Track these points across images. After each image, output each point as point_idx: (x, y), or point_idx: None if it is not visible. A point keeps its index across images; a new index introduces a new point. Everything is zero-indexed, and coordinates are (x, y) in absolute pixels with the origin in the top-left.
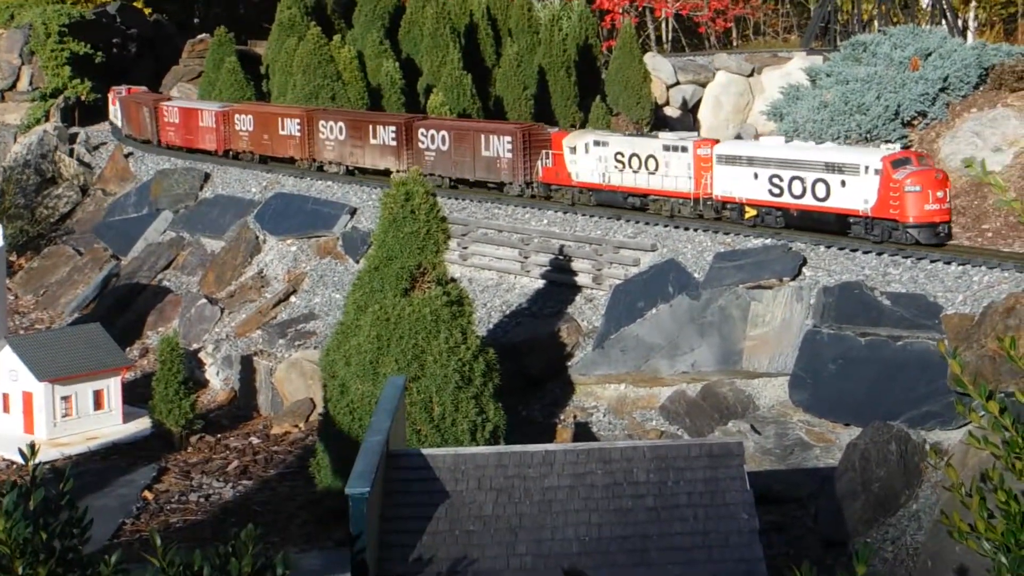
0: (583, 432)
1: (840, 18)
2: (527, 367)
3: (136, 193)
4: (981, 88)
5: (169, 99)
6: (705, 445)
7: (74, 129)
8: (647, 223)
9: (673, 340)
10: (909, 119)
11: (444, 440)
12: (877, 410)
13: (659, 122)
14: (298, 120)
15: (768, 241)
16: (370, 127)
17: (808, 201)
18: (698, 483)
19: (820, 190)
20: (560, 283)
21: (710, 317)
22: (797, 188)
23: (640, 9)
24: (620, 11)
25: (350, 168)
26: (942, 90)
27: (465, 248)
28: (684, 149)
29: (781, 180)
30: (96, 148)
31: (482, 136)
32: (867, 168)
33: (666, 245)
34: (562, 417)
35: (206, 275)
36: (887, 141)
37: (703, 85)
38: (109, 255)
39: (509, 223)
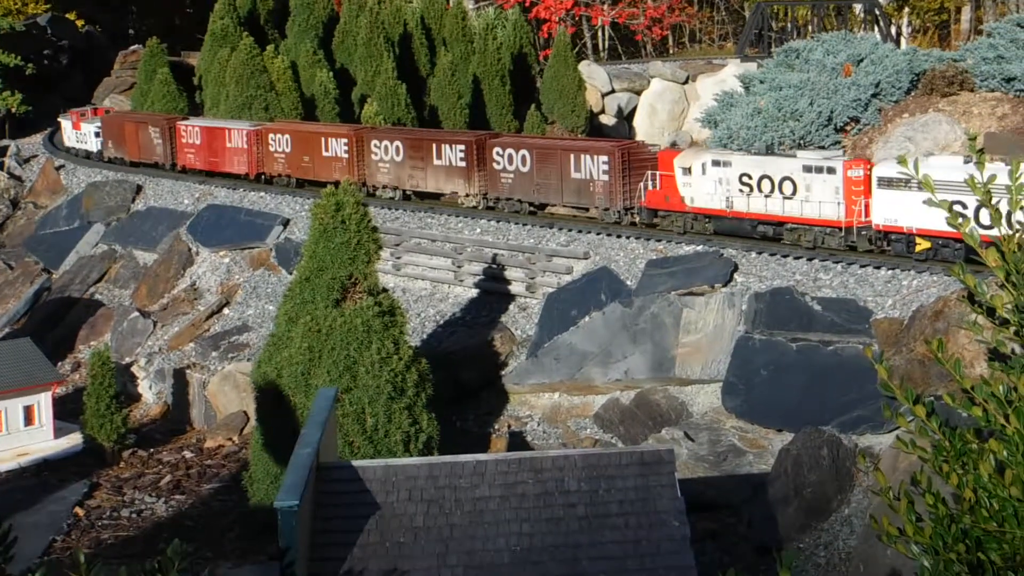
0: (517, 442)
1: (775, 25)
2: (461, 377)
3: (67, 206)
4: (913, 93)
5: (186, 118)
6: (636, 453)
7: (4, 142)
8: (579, 231)
9: (606, 348)
10: (842, 125)
11: (377, 452)
12: (809, 415)
13: (594, 130)
14: (345, 140)
15: (700, 248)
16: (434, 146)
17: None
18: (629, 491)
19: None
20: (494, 292)
21: (643, 324)
22: (987, 216)
23: (577, 18)
24: (557, 20)
25: (408, 193)
26: (874, 96)
27: (398, 258)
28: (831, 171)
29: (965, 207)
30: (27, 161)
31: (571, 156)
32: None
33: (599, 253)
34: (496, 427)
35: (139, 288)
36: (820, 147)
37: (638, 93)
38: (40, 269)
39: (442, 232)
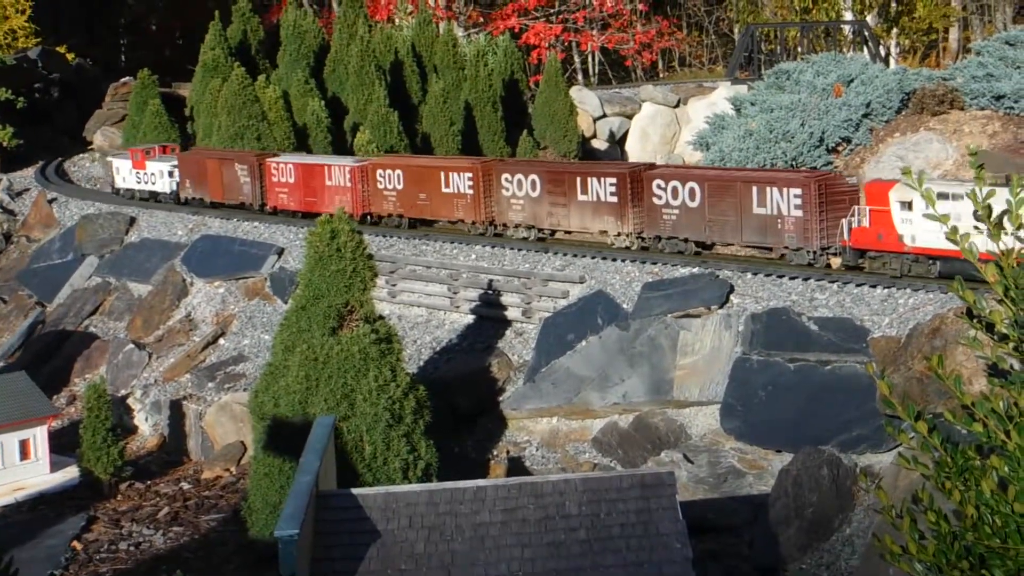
0: (516, 467)
1: (765, 47)
2: (458, 403)
3: (60, 239)
4: (903, 113)
5: (276, 154)
6: (636, 476)
7: None
8: (575, 255)
9: (603, 372)
10: (833, 145)
11: (376, 479)
12: (808, 435)
13: (587, 155)
14: (470, 174)
15: (695, 270)
16: (578, 180)
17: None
18: (630, 514)
19: None
20: (490, 318)
21: (640, 347)
22: None
23: (567, 44)
24: (547, 46)
25: (543, 232)
26: (865, 116)
27: (394, 285)
28: None
29: None
30: (19, 195)
31: (754, 188)
32: None
33: (594, 277)
34: (495, 453)
35: (133, 320)
36: (813, 168)
37: (630, 117)
38: (34, 302)
39: (437, 259)
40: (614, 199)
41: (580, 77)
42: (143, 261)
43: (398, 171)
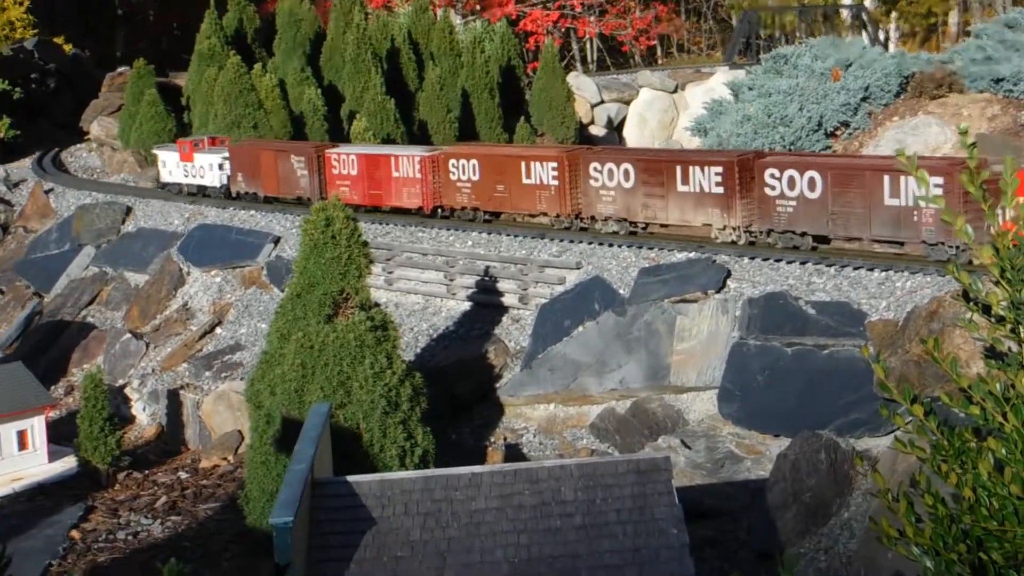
0: (514, 454)
1: (763, 32)
2: (455, 390)
3: (57, 229)
4: (902, 96)
5: (335, 145)
6: (632, 461)
7: None
8: (571, 241)
9: (601, 357)
10: (832, 129)
11: (373, 467)
12: (806, 419)
13: (584, 141)
14: (554, 164)
15: (692, 255)
16: (678, 169)
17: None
18: (626, 500)
19: None
20: (487, 304)
21: (637, 333)
22: None
23: (564, 30)
24: (544, 32)
25: (635, 227)
26: (864, 99)
27: (391, 273)
28: None
29: None
30: (16, 185)
31: (885, 177)
32: None
33: (591, 262)
34: (492, 439)
35: (130, 310)
36: (811, 152)
37: (627, 103)
38: (31, 293)
39: (433, 246)
40: (720, 189)
41: (578, 63)
42: (140, 251)
43: (473, 161)
